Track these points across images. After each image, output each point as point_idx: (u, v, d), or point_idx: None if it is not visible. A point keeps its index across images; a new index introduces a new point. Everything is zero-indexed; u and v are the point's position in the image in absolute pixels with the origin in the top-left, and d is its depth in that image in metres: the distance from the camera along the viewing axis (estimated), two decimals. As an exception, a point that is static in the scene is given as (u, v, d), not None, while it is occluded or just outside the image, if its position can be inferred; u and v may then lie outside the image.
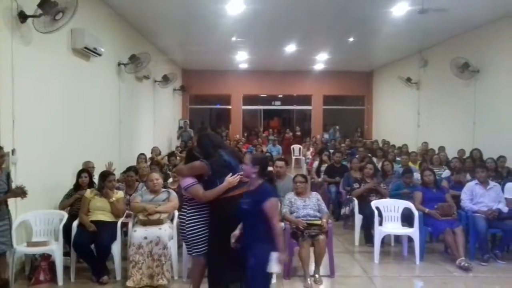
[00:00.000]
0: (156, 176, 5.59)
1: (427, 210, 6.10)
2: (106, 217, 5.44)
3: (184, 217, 4.22)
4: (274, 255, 3.52)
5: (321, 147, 13.15)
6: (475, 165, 8.28)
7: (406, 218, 6.31)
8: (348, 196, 7.37)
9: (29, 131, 5.56)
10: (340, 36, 11.89)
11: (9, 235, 4.57)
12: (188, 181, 4.12)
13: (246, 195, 3.82)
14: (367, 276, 5.56)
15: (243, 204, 3.77)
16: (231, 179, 4.00)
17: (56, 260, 5.06)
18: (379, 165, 8.95)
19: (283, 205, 5.64)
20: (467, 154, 9.41)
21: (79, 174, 6.00)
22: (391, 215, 6.31)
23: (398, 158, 10.21)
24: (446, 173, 8.34)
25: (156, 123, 13.01)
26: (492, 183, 6.37)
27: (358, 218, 6.81)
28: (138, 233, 5.03)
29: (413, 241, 5.98)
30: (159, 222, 5.19)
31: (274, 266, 3.53)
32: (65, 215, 5.40)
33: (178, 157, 9.25)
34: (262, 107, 20.80)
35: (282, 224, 5.49)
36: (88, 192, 5.57)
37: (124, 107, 9.57)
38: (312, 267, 5.33)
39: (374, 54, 15.32)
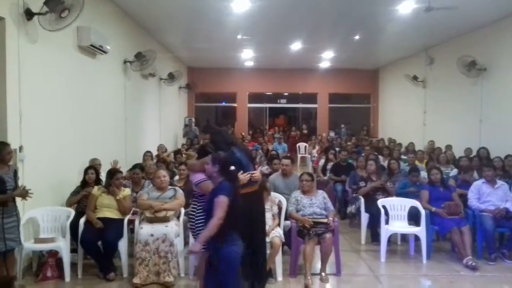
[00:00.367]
0: (163, 173, 5.62)
1: (434, 208, 6.07)
2: (113, 214, 5.46)
3: (194, 213, 4.25)
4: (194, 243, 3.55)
5: (327, 145, 13.12)
6: (482, 163, 8.24)
7: (413, 217, 6.29)
8: (354, 195, 7.36)
9: (36, 128, 5.58)
10: (346, 34, 11.85)
11: (17, 232, 4.58)
12: (199, 176, 4.16)
13: (209, 194, 3.85)
14: (373, 275, 5.55)
15: (206, 203, 3.81)
16: (241, 176, 4.01)
17: (63, 256, 5.08)
18: (385, 164, 8.94)
19: (289, 203, 5.64)
20: (474, 152, 9.36)
21: (85, 171, 6.04)
22: (397, 213, 6.29)
23: (404, 157, 10.17)
24: (453, 172, 8.30)
25: (161, 120, 13.03)
26: (499, 182, 6.33)
27: (365, 217, 6.79)
28: (145, 230, 5.04)
29: (419, 240, 5.96)
30: (165, 220, 5.20)
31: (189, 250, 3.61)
32: (72, 212, 5.42)
33: (184, 155, 9.26)
34: (267, 105, 20.79)
35: (288, 222, 5.52)
36: (95, 189, 5.60)
37: (130, 105, 9.59)
38: (318, 265, 5.33)
39: (380, 52, 15.25)
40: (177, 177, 6.78)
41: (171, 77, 13.28)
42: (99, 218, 5.35)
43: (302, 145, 16.98)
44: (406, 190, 6.79)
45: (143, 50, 9.67)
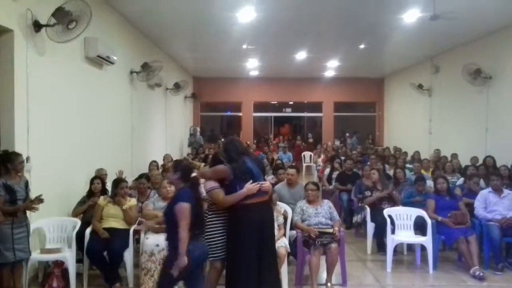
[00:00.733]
0: (169, 183, 5.61)
1: (440, 218, 6.04)
2: (118, 224, 5.47)
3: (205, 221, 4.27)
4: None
5: (332, 154, 13.10)
6: (488, 172, 8.20)
7: (419, 227, 6.26)
8: (360, 204, 7.33)
9: (43, 139, 5.63)
10: (351, 43, 11.89)
11: (26, 242, 4.61)
12: (210, 184, 4.19)
13: (170, 201, 3.92)
14: (379, 285, 5.52)
15: (166, 210, 3.88)
16: (250, 186, 4.03)
17: (69, 267, 5.09)
18: (391, 173, 8.91)
19: (294, 213, 5.64)
20: (480, 161, 9.31)
21: (91, 181, 6.06)
22: (403, 223, 6.26)
23: (409, 165, 10.13)
24: (460, 180, 8.26)
25: (167, 130, 13.08)
26: (506, 191, 6.29)
27: (370, 226, 6.77)
28: (150, 240, 5.04)
29: (426, 249, 5.92)
30: (171, 230, 5.19)
31: (174, 271, 3.60)
32: (78, 222, 5.44)
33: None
34: (272, 114, 20.81)
35: (294, 232, 5.50)
36: (101, 200, 5.62)
37: (136, 115, 9.65)
38: (324, 275, 5.30)
39: (386, 61, 15.27)
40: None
41: (177, 87, 13.34)
42: (105, 228, 5.36)
43: (307, 154, 16.96)
44: (412, 199, 6.76)
45: (149, 60, 9.75)
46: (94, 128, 7.29)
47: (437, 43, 11.66)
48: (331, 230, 5.33)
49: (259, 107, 19.87)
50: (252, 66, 15.69)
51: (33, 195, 4.68)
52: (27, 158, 5.16)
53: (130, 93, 9.32)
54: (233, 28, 9.88)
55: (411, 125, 15.61)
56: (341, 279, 5.40)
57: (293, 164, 10.75)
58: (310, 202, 5.67)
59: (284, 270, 5.13)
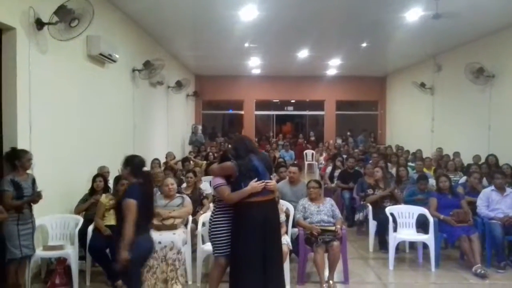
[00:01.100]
0: (171, 181, 5.64)
1: (442, 216, 6.04)
2: (121, 221, 5.47)
3: (212, 217, 4.33)
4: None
5: (334, 152, 13.09)
6: (490, 170, 8.19)
7: (421, 225, 6.25)
8: (362, 202, 7.34)
9: (46, 137, 5.65)
10: (353, 42, 11.88)
11: (31, 239, 4.64)
12: (218, 181, 4.22)
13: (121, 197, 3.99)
14: (381, 283, 5.52)
15: (117, 205, 3.98)
16: (255, 184, 4.04)
17: (71, 264, 5.11)
18: (393, 171, 8.91)
19: (296, 211, 5.64)
20: (483, 159, 9.30)
21: (94, 179, 6.07)
22: (405, 221, 6.26)
23: (412, 164, 10.12)
24: (462, 179, 8.25)
25: (169, 128, 13.10)
26: (508, 190, 6.28)
27: (372, 224, 6.77)
28: (152, 238, 5.05)
29: (428, 247, 5.92)
30: (173, 227, 5.22)
31: (116, 266, 3.73)
32: (80, 220, 5.46)
33: (192, 162, 9.29)
34: (274, 113, 20.82)
35: (296, 230, 5.51)
36: (103, 197, 5.63)
37: (138, 113, 9.65)
38: (326, 273, 5.30)
39: (388, 59, 15.26)
40: (184, 185, 6.80)
41: (179, 85, 13.36)
42: (107, 226, 5.38)
43: (309, 152, 16.96)
44: (414, 197, 6.76)
45: (151, 58, 9.75)
46: (96, 126, 7.30)
47: (440, 42, 11.64)
48: (333, 228, 5.34)
49: (261, 105, 19.87)
50: (254, 64, 15.68)
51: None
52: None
53: (132, 91, 9.33)
54: (236, 27, 9.88)
55: (413, 124, 15.60)
56: (343, 276, 5.40)
57: (295, 162, 10.75)
58: (312, 200, 5.68)
59: (286, 268, 5.13)
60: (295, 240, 5.47)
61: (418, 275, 5.84)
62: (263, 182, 4.09)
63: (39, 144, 5.39)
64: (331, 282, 5.21)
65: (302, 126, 21.80)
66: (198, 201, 6.31)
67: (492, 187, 6.32)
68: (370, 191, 7.14)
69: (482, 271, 5.53)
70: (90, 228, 5.37)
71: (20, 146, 4.98)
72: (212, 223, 4.29)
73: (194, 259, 5.42)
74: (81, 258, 5.34)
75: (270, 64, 15.75)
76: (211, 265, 4.46)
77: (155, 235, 5.07)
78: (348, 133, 18.68)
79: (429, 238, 5.91)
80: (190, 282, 5.28)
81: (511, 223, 5.87)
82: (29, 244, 4.57)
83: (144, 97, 10.27)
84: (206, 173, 8.65)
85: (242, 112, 19.70)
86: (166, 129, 12.83)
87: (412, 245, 6.65)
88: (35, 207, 4.99)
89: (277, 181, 6.83)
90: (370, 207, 6.85)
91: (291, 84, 18.55)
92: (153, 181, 4.20)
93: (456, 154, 10.38)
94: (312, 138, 18.97)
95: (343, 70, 16.91)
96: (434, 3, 7.90)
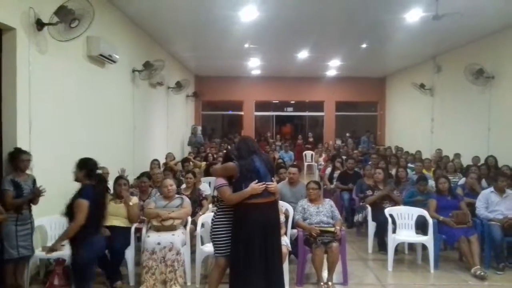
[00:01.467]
0: (170, 183, 5.64)
1: (441, 217, 6.04)
2: (119, 222, 5.48)
3: (213, 217, 4.35)
4: None
5: (334, 153, 13.09)
6: (490, 172, 8.20)
7: (420, 226, 6.25)
8: (361, 203, 7.34)
9: (46, 137, 5.65)
10: (353, 42, 11.89)
11: (30, 240, 4.64)
12: (219, 181, 4.23)
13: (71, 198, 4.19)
14: (380, 284, 5.52)
15: (68, 204, 4.17)
16: (255, 185, 4.04)
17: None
18: (392, 172, 8.91)
19: (296, 212, 5.64)
20: (482, 161, 9.31)
21: (93, 180, 6.06)
22: (405, 222, 6.26)
23: (411, 165, 10.13)
24: (461, 180, 8.25)
25: (169, 129, 13.10)
26: (508, 191, 6.28)
27: (372, 226, 6.77)
28: (152, 238, 5.06)
29: (427, 249, 5.92)
30: (172, 228, 5.22)
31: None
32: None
33: (191, 163, 9.29)
34: (274, 113, 20.83)
35: (295, 231, 5.51)
36: (102, 198, 5.62)
37: (138, 113, 9.66)
38: (325, 274, 5.31)
39: (388, 60, 15.26)
40: (184, 186, 6.81)
41: (179, 85, 13.36)
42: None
43: (308, 153, 16.96)
44: (413, 199, 6.76)
45: (151, 59, 9.76)
46: (96, 126, 7.30)
47: (439, 43, 11.65)
48: (332, 229, 5.34)
49: (260, 106, 19.88)
50: (254, 65, 15.69)
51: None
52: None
53: (132, 92, 9.33)
54: (235, 27, 9.88)
55: (413, 125, 15.61)
56: (342, 278, 5.40)
57: (295, 163, 10.75)
58: (311, 201, 5.68)
59: (285, 269, 5.13)
60: (294, 241, 5.47)
61: (417, 276, 5.84)
62: (263, 184, 4.09)
63: (38, 144, 5.39)
64: (330, 283, 5.21)
65: (302, 127, 21.80)
66: (197, 202, 6.32)
67: (492, 189, 6.32)
68: (369, 192, 7.13)
69: (481, 273, 5.53)
70: (89, 229, 5.35)
71: (20, 146, 4.98)
72: (214, 223, 4.30)
73: (193, 260, 5.41)
74: (80, 259, 5.33)
75: (270, 65, 15.76)
76: (211, 266, 4.46)
77: (154, 236, 5.09)
78: (348, 134, 18.64)
79: (428, 240, 5.91)
80: (189, 283, 5.27)
81: (511, 224, 5.88)
82: (27, 245, 4.57)
83: (144, 97, 10.27)
84: (206, 174, 8.67)
85: (242, 113, 19.71)
86: (166, 130, 12.83)
87: (411, 246, 6.64)
88: (34, 208, 5.00)
89: (277, 182, 6.84)
90: (369, 208, 6.85)
91: (291, 85, 18.56)
92: (106, 183, 4.40)
93: (457, 155, 10.38)
94: (311, 139, 18.97)
95: (342, 71, 16.92)
96: (434, 4, 7.90)
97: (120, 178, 5.83)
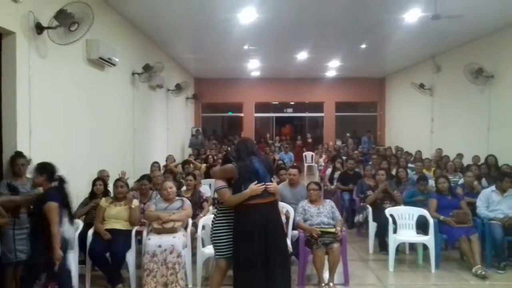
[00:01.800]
0: (170, 185, 5.63)
1: (442, 217, 6.04)
2: (120, 225, 5.48)
3: (214, 219, 4.35)
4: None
5: (334, 154, 13.09)
6: (490, 171, 8.20)
7: (421, 226, 6.25)
8: (361, 204, 7.34)
9: (46, 141, 5.65)
10: (352, 43, 11.90)
11: (27, 244, 4.62)
12: (219, 183, 4.24)
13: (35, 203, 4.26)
14: (382, 285, 5.52)
15: (34, 209, 4.24)
16: (255, 187, 4.05)
17: (71, 268, 5.09)
18: (393, 172, 8.90)
19: (296, 213, 5.65)
20: (482, 160, 9.30)
21: (94, 183, 6.07)
22: (405, 222, 6.26)
23: (411, 165, 10.13)
24: (462, 180, 8.24)
25: (169, 131, 13.11)
26: (509, 190, 6.27)
27: (372, 226, 6.77)
28: (152, 241, 5.06)
29: (428, 248, 5.92)
30: (173, 231, 5.21)
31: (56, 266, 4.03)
32: (80, 224, 5.44)
33: (192, 165, 9.30)
34: (274, 115, 20.86)
35: (296, 232, 5.51)
36: (103, 201, 5.63)
37: (138, 116, 9.67)
38: (326, 275, 5.30)
39: (387, 60, 15.27)
40: (184, 188, 6.81)
41: (179, 88, 13.38)
42: (107, 230, 5.37)
43: (308, 154, 16.96)
44: (414, 199, 6.76)
45: (151, 61, 9.77)
46: (96, 129, 7.31)
47: (439, 43, 11.66)
48: (333, 230, 5.34)
49: (260, 107, 19.89)
50: (254, 66, 15.71)
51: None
52: (29, 160, 5.17)
53: (132, 95, 9.34)
54: (235, 29, 9.90)
55: (413, 125, 15.61)
56: (343, 278, 5.40)
57: (295, 164, 10.75)
58: (312, 202, 5.68)
59: (286, 270, 5.15)
60: (295, 243, 5.47)
61: (418, 276, 5.84)
62: (263, 185, 4.09)
63: (39, 148, 5.40)
64: (331, 284, 5.21)
65: (302, 128, 21.81)
66: (198, 204, 6.31)
67: (493, 188, 6.32)
68: (369, 192, 7.13)
69: (482, 272, 5.52)
70: (90, 232, 5.37)
71: (20, 150, 4.99)
72: (214, 225, 4.30)
73: (194, 262, 5.41)
74: (81, 262, 5.33)
75: (269, 66, 15.78)
76: (211, 268, 4.46)
77: (155, 239, 5.09)
78: (348, 134, 18.61)
79: (429, 239, 5.91)
80: (190, 286, 5.27)
81: (511, 223, 5.87)
82: (24, 249, 4.56)
83: (144, 100, 10.28)
84: (206, 176, 8.68)
85: (242, 115, 19.72)
86: (166, 132, 12.84)
87: (412, 246, 6.64)
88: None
89: (277, 184, 6.85)
90: (370, 209, 6.86)
91: (291, 86, 18.58)
92: (66, 184, 4.43)
93: (459, 155, 10.33)
94: (309, 140, 18.96)
95: (342, 71, 16.94)
96: (433, 3, 7.92)
97: (118, 181, 5.83)
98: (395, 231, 6.12)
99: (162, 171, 8.35)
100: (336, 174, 9.33)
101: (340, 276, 5.42)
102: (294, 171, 6.56)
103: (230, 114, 20.96)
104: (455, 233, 5.89)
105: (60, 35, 5.51)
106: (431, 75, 13.69)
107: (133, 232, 5.48)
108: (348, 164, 9.11)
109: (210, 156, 11.37)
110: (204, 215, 5.91)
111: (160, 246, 5.01)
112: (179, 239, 5.14)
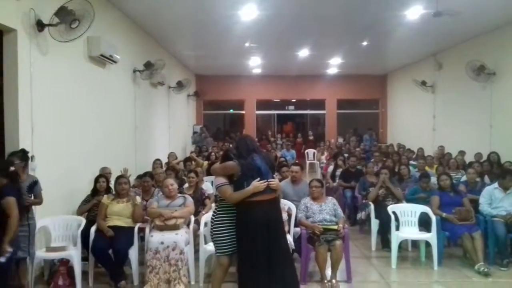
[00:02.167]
0: (171, 182, 5.63)
1: (444, 214, 6.03)
2: (123, 222, 5.48)
3: (214, 216, 4.33)
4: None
5: (336, 151, 13.08)
6: (492, 168, 8.18)
7: (424, 223, 6.24)
8: (364, 201, 7.33)
9: (48, 138, 5.65)
10: (354, 40, 11.86)
11: (26, 242, 4.62)
12: (220, 180, 4.24)
13: None
14: (384, 282, 5.51)
15: None
16: (257, 183, 4.05)
17: (74, 265, 5.10)
18: (394, 169, 8.89)
19: (298, 210, 5.64)
20: (484, 157, 9.29)
21: (96, 180, 6.09)
22: (408, 219, 6.25)
23: (413, 162, 10.11)
24: (464, 177, 8.23)
25: (171, 128, 13.10)
26: (512, 188, 6.27)
27: (375, 223, 6.77)
28: (155, 238, 5.06)
29: (430, 246, 5.91)
30: (175, 227, 5.22)
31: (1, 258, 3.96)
32: (83, 221, 5.46)
33: (193, 162, 9.29)
34: (275, 112, 20.83)
35: (298, 229, 5.51)
36: (105, 198, 5.64)
37: (140, 113, 9.66)
38: (328, 272, 5.31)
39: (388, 58, 15.23)
40: (186, 185, 6.81)
41: (180, 85, 13.36)
42: (109, 227, 5.38)
43: (310, 151, 16.95)
44: (416, 196, 6.76)
45: (152, 59, 9.76)
46: (98, 126, 7.31)
47: (440, 40, 11.62)
48: (335, 227, 5.33)
49: (262, 105, 19.86)
50: (255, 64, 15.68)
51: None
52: (32, 157, 5.17)
53: (133, 92, 9.34)
54: (236, 26, 9.87)
55: (415, 122, 15.58)
56: (345, 275, 5.40)
57: (297, 161, 10.75)
58: (314, 199, 5.68)
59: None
60: (297, 240, 5.47)
61: (420, 273, 5.83)
62: (265, 181, 4.09)
63: (41, 145, 5.40)
64: (333, 281, 5.20)
65: (303, 125, 21.80)
66: (200, 201, 6.32)
67: (496, 185, 6.30)
68: (371, 189, 7.12)
69: (485, 269, 5.52)
70: (93, 229, 5.37)
71: (23, 147, 4.99)
72: (214, 222, 4.29)
73: (196, 259, 5.41)
74: (84, 259, 5.35)
75: (270, 64, 15.75)
76: (214, 265, 4.45)
77: (158, 236, 5.09)
78: (351, 131, 18.57)
79: (431, 237, 5.90)
80: (193, 282, 5.28)
81: (514, 221, 5.87)
82: (23, 247, 4.56)
83: (145, 97, 10.27)
84: (208, 173, 8.67)
85: (243, 112, 19.70)
86: (167, 130, 12.83)
87: (415, 243, 6.63)
88: (38, 209, 5.02)
89: (280, 181, 6.84)
90: (372, 206, 6.85)
91: (292, 83, 18.55)
92: (19, 178, 4.44)
93: (462, 153, 10.32)
94: (311, 137, 18.94)
95: (343, 68, 16.89)
96: (435, 0, 7.89)
97: (120, 177, 5.84)
98: (397, 228, 6.12)
99: (164, 168, 8.35)
100: (338, 172, 9.33)
101: (343, 273, 5.42)
102: (296, 168, 6.56)
103: (231, 111, 20.93)
104: (458, 230, 5.88)
105: (61, 32, 5.50)
106: (433, 72, 13.66)
107: (136, 229, 5.48)
108: (350, 162, 9.11)
109: (213, 154, 11.37)
110: (206, 212, 5.91)
111: (162, 243, 5.01)
112: (181, 236, 5.13)
